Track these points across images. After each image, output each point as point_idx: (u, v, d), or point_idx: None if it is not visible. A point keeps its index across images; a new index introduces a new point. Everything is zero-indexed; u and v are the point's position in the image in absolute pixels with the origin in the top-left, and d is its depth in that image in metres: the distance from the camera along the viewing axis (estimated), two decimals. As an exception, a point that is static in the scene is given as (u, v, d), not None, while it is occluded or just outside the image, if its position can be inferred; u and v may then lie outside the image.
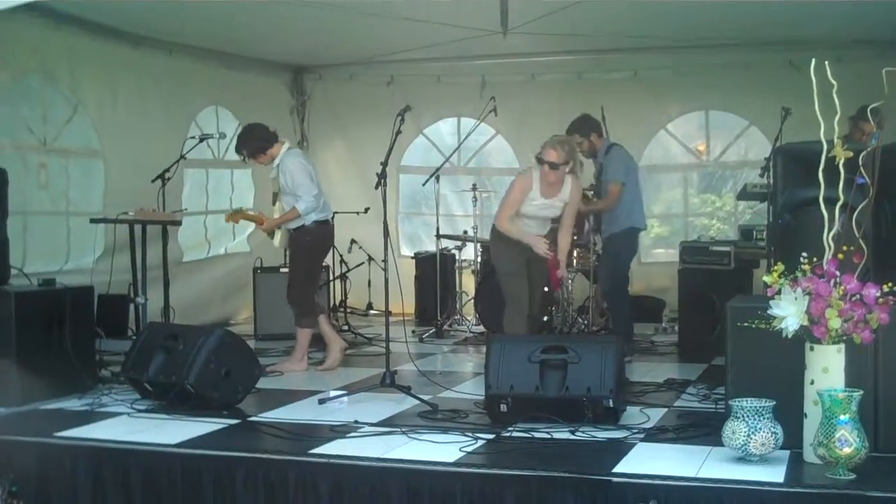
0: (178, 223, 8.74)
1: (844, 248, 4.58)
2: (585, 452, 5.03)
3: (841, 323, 4.47)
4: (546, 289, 8.36)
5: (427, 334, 9.83)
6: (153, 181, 8.16)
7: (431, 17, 8.83)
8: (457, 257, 10.77)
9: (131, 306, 8.07)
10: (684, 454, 4.92)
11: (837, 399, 4.33)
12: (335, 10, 8.45)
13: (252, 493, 4.95)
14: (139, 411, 6.15)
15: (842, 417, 4.30)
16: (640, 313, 8.71)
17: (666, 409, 6.09)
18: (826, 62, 4.58)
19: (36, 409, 6.23)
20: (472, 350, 8.91)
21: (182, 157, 8.58)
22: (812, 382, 4.56)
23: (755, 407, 4.60)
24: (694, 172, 11.54)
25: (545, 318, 9.14)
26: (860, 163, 4.71)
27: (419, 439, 5.30)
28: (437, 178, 10.12)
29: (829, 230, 4.63)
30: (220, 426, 5.72)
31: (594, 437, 5.29)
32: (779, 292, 4.57)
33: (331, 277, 9.98)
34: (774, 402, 4.61)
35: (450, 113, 11.76)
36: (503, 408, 5.64)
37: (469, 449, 5.05)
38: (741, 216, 10.80)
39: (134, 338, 7.33)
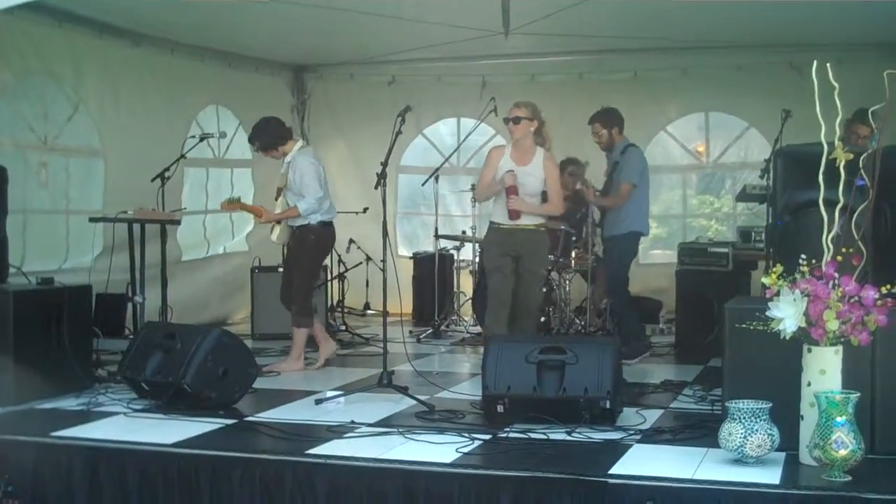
0: (177, 222, 8.71)
1: (843, 250, 4.57)
2: (582, 453, 5.01)
3: (839, 325, 4.46)
4: (544, 289, 8.37)
5: (425, 334, 9.81)
6: (153, 180, 8.14)
7: (433, 17, 8.84)
8: (455, 258, 10.76)
9: (129, 305, 8.05)
10: (681, 456, 4.90)
11: (834, 401, 4.31)
12: (336, 9, 8.44)
13: (248, 493, 4.93)
14: (136, 411, 6.12)
15: (838, 419, 4.28)
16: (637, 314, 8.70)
17: (662, 411, 6.07)
18: (828, 64, 4.56)
19: (32, 409, 6.20)
20: (470, 350, 8.90)
21: (182, 156, 8.56)
22: (809, 384, 4.54)
23: (752, 408, 4.59)
24: (693, 174, 11.54)
25: (542, 319, 9.13)
26: (860, 165, 4.69)
27: (416, 440, 5.28)
28: (437, 179, 10.10)
29: (829, 232, 4.62)
30: (217, 426, 5.70)
31: (591, 438, 5.27)
32: (777, 294, 4.55)
33: (329, 277, 9.95)
34: (771, 404, 4.59)
35: (450, 113, 11.76)
36: (500, 408, 5.63)
37: (466, 450, 5.04)
38: (739, 217, 10.78)
39: (131, 337, 7.32)
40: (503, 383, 5.61)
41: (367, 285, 10.96)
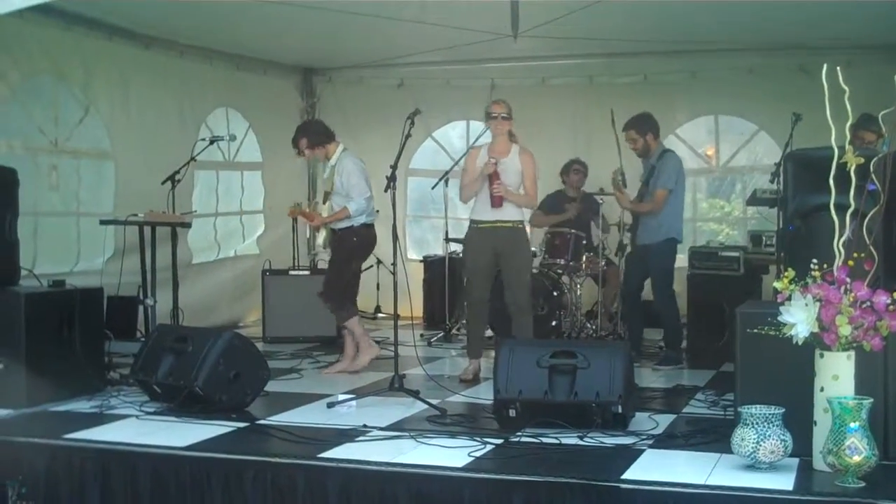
0: (188, 225, 8.75)
1: (855, 254, 4.56)
2: (594, 458, 5.01)
3: (851, 330, 4.46)
4: (555, 293, 8.37)
5: (436, 338, 9.81)
6: (163, 183, 8.19)
7: (442, 20, 8.83)
8: (465, 261, 10.75)
9: (140, 308, 8.08)
10: (693, 461, 4.91)
11: (847, 407, 4.31)
12: (345, 12, 8.45)
13: (261, 496, 4.95)
14: (148, 413, 6.15)
15: (852, 425, 4.28)
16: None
17: (675, 416, 6.08)
18: (838, 68, 4.56)
19: (45, 411, 6.24)
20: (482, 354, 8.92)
21: (192, 158, 8.62)
22: (822, 389, 4.54)
23: (764, 414, 4.59)
24: (703, 177, 11.52)
25: (553, 323, 9.14)
26: (871, 169, 4.69)
27: (428, 444, 5.29)
28: (446, 182, 10.06)
29: (840, 237, 4.61)
30: (229, 429, 5.72)
31: (603, 443, 5.27)
32: (789, 298, 4.55)
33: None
34: (784, 410, 4.59)
35: (459, 116, 11.76)
36: (512, 413, 5.63)
37: (478, 454, 5.04)
38: (750, 221, 10.76)
39: (143, 340, 7.35)
40: (514, 388, 5.62)
41: (378, 289, 10.97)
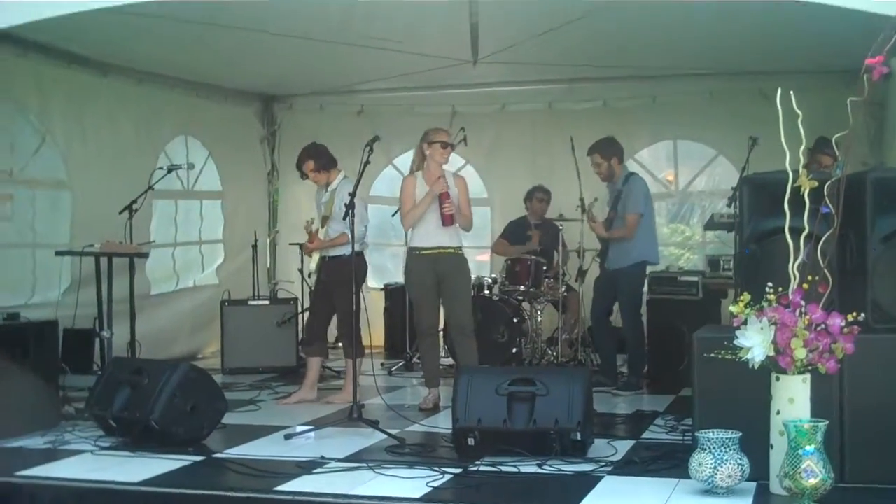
0: (145, 255, 8.67)
1: (810, 277, 4.59)
2: (553, 486, 5.00)
3: (806, 353, 4.48)
4: (516, 319, 8.35)
5: (396, 367, 9.79)
6: (120, 213, 8.12)
7: (402, 46, 8.84)
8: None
9: (97, 340, 7.99)
10: (652, 487, 4.90)
11: (803, 430, 4.33)
12: (305, 38, 8.44)
13: (216, 530, 4.90)
14: (103, 448, 6.05)
15: (807, 448, 4.29)
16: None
17: (634, 442, 6.08)
18: (791, 92, 4.60)
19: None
20: (442, 383, 8.88)
21: (150, 187, 8.56)
22: (778, 413, 4.56)
23: (721, 438, 4.60)
24: (663, 202, 11.57)
25: (514, 350, 9.14)
26: (825, 193, 4.72)
27: (386, 475, 5.25)
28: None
29: (795, 260, 4.65)
30: (185, 463, 5.65)
31: (562, 470, 5.26)
32: (745, 322, 4.57)
33: (300, 310, 9.90)
34: (741, 434, 4.61)
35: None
36: (471, 441, 5.62)
37: (436, 484, 5.01)
38: (709, 246, 10.83)
39: (99, 373, 7.27)
40: (473, 416, 5.61)
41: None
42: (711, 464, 4.58)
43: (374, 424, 6.39)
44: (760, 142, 7.85)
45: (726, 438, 4.60)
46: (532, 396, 5.56)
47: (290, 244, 10.78)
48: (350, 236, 7.14)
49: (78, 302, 7.99)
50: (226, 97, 11.21)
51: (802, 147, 4.67)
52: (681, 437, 5.99)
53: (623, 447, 5.86)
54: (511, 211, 10.73)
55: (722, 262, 8.53)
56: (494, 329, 9.20)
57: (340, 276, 7.65)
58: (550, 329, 9.90)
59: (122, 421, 6.20)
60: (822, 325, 4.49)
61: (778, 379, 4.59)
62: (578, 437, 5.47)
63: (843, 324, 4.46)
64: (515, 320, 9.28)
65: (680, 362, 7.87)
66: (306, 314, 10.16)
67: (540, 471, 5.27)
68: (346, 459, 5.66)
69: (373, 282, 11.55)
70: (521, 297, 9.53)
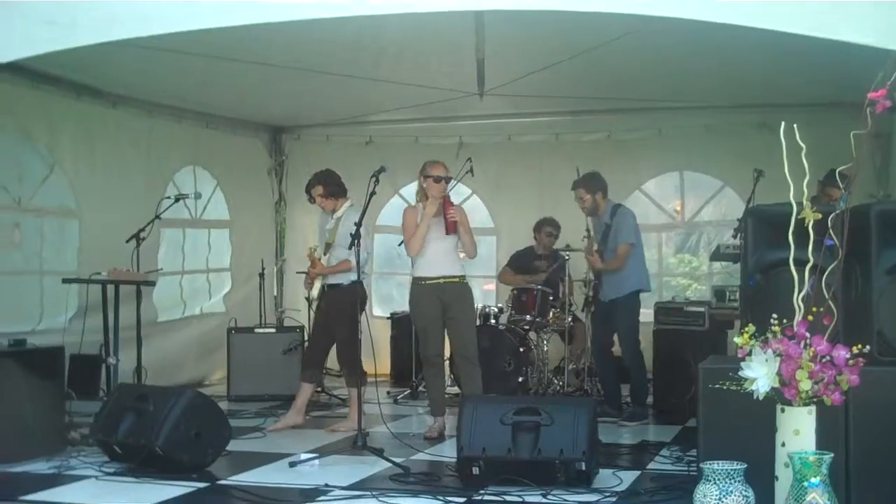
0: (152, 283, 8.70)
1: (814, 309, 4.57)
2: (557, 516, 4.98)
3: (811, 385, 4.44)
4: (521, 348, 8.33)
5: (402, 395, 9.77)
6: (128, 241, 8.17)
7: (409, 78, 8.90)
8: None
9: (103, 367, 7.99)
10: (656, 518, 4.88)
11: (808, 461, 4.29)
12: (313, 71, 8.49)
13: (219, 557, 4.88)
14: (107, 474, 6.06)
15: (812, 480, 4.25)
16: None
17: (639, 472, 6.06)
18: (794, 125, 4.59)
19: (2, 472, 6.11)
20: (447, 411, 8.85)
21: (157, 216, 8.60)
22: (783, 444, 4.51)
23: (726, 470, 4.56)
24: (670, 233, 11.58)
25: (520, 379, 9.13)
26: (829, 225, 4.71)
27: (390, 503, 5.23)
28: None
29: (799, 292, 4.62)
30: (189, 489, 5.65)
31: (566, 500, 5.24)
32: (750, 353, 4.55)
33: (305, 338, 9.88)
34: (746, 465, 4.57)
35: (427, 173, 11.77)
36: (475, 470, 5.60)
37: (440, 512, 5.00)
38: (715, 276, 10.81)
39: (105, 399, 7.26)
40: (478, 445, 5.60)
41: (346, 346, 10.89)
42: (716, 495, 4.53)
43: (378, 453, 6.37)
44: (766, 174, 7.85)
45: (731, 470, 4.56)
46: (537, 426, 5.55)
47: (297, 272, 10.74)
48: (354, 264, 7.15)
49: (84, 328, 7.98)
50: (234, 128, 11.27)
51: (807, 179, 4.65)
52: (686, 468, 5.96)
53: (629, 478, 5.84)
54: (517, 240, 10.74)
55: (728, 293, 8.54)
56: (501, 358, 9.20)
57: (340, 305, 7.73)
58: (557, 358, 9.87)
59: (127, 447, 6.19)
60: (827, 357, 4.45)
61: (783, 410, 4.55)
62: (583, 468, 5.45)
63: (848, 355, 4.43)
64: (522, 349, 9.27)
65: (686, 392, 7.84)
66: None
67: (544, 500, 5.25)
68: (351, 487, 5.65)
69: (379, 310, 11.58)
70: (527, 327, 9.51)
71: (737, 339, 4.63)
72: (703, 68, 8.39)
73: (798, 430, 4.50)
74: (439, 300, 7.49)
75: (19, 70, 7.90)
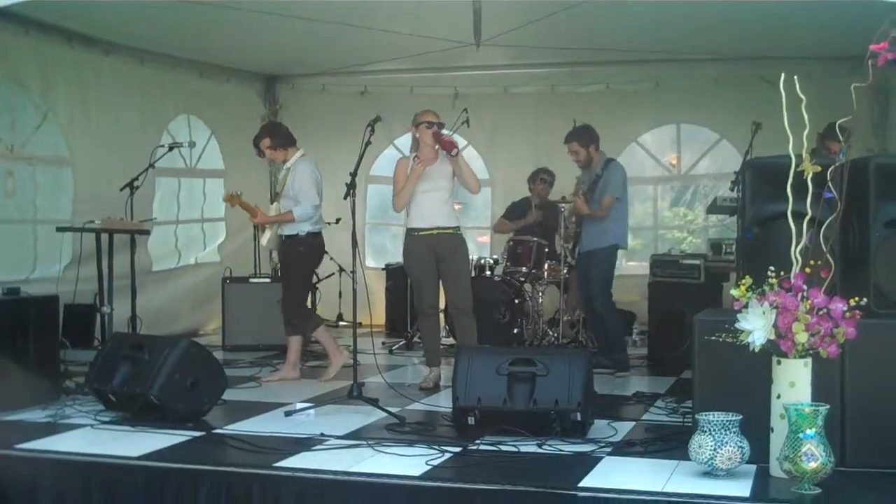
0: (147, 232, 8.67)
1: (812, 262, 4.56)
2: (552, 466, 4.98)
3: (808, 337, 4.46)
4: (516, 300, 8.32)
5: (397, 346, 9.79)
6: (121, 189, 8.15)
7: (405, 27, 8.81)
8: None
9: (98, 316, 7.98)
10: (651, 468, 4.90)
11: (804, 413, 4.30)
12: (308, 19, 8.39)
13: (215, 506, 4.88)
14: (102, 423, 6.04)
15: (808, 432, 4.27)
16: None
17: (634, 423, 6.06)
18: (795, 77, 4.56)
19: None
20: (442, 362, 8.87)
21: (151, 165, 8.57)
22: (779, 396, 4.54)
23: (722, 421, 4.58)
24: (666, 185, 11.56)
25: (515, 331, 9.15)
26: (828, 178, 4.69)
27: (385, 452, 5.24)
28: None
29: (797, 244, 4.62)
30: (185, 438, 5.64)
31: (561, 450, 5.24)
32: (746, 306, 4.55)
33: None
34: (741, 417, 4.58)
35: (422, 124, 11.72)
36: (471, 421, 5.60)
37: (436, 462, 5.00)
38: (711, 229, 10.81)
39: (99, 348, 7.25)
40: (473, 395, 5.59)
41: (340, 297, 10.91)
42: (711, 446, 4.56)
43: (374, 402, 6.37)
44: (764, 127, 7.80)
45: (727, 421, 4.58)
46: (532, 377, 5.54)
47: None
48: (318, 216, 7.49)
49: (79, 278, 8.01)
50: (228, 77, 11.20)
51: (806, 132, 4.63)
52: (681, 420, 5.97)
53: (623, 428, 5.84)
54: (512, 192, 10.71)
55: (724, 246, 8.54)
56: (496, 309, 9.20)
57: (289, 254, 7.84)
58: (552, 310, 9.89)
59: (122, 396, 6.18)
60: (824, 310, 4.47)
61: (779, 363, 4.57)
62: (578, 418, 5.45)
63: (845, 308, 4.44)
64: (517, 301, 9.28)
65: (681, 345, 7.85)
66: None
67: (539, 450, 5.25)
68: (346, 437, 5.65)
69: (372, 262, 11.57)
70: (522, 279, 9.51)
71: (733, 292, 4.64)
72: (702, 20, 8.34)
73: (794, 383, 4.53)
74: (433, 251, 7.47)
75: (11, 16, 7.84)
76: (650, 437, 5.56)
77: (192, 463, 5.07)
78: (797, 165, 4.62)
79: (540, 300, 9.65)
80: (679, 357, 7.89)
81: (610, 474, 4.79)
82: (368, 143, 6.95)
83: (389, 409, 6.29)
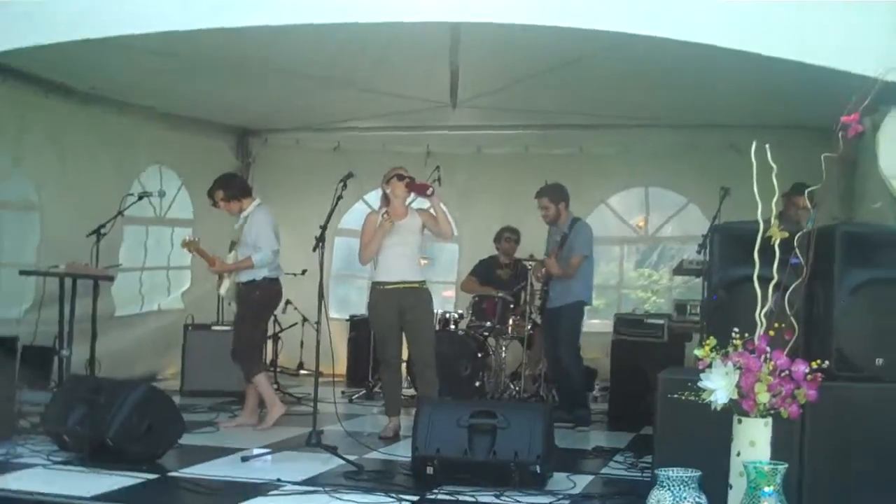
0: (111, 279, 8.64)
1: (776, 325, 4.59)
2: (509, 518, 4.95)
3: (769, 397, 4.45)
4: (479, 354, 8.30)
5: (357, 395, 9.74)
6: (88, 235, 8.14)
7: (382, 86, 8.87)
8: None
9: (56, 358, 7.89)
10: (609, 523, 4.87)
11: (762, 471, 4.29)
12: (285, 73, 8.42)
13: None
14: (56, 463, 5.95)
15: (766, 489, 4.26)
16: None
17: (593, 477, 6.06)
18: (767, 145, 4.63)
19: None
20: (402, 412, 8.81)
21: (120, 213, 8.59)
22: (738, 454, 4.52)
23: (681, 477, 4.55)
24: (632, 246, 11.65)
25: (477, 384, 9.13)
26: (795, 244, 4.74)
27: (342, 500, 5.19)
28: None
29: (762, 307, 4.64)
30: (139, 480, 5.56)
31: (519, 501, 5.21)
32: (710, 366, 4.55)
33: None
34: (700, 473, 4.56)
35: (393, 180, 11.75)
36: (429, 470, 5.57)
37: (392, 511, 4.96)
38: (676, 290, 10.87)
39: (56, 389, 7.16)
40: (433, 446, 5.58)
41: (302, 346, 10.85)
42: (670, 501, 4.53)
43: (332, 450, 6.32)
44: (732, 192, 7.88)
45: (686, 477, 4.55)
46: (493, 429, 5.53)
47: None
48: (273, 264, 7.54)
49: (39, 320, 7.97)
50: (201, 129, 11.17)
51: (776, 198, 4.70)
52: (640, 474, 5.97)
53: (582, 482, 5.82)
54: (479, 250, 10.73)
55: (689, 307, 8.61)
56: (459, 363, 9.21)
57: (247, 300, 7.80)
58: (514, 364, 9.89)
59: (77, 436, 6.10)
60: (787, 371, 4.47)
61: (740, 422, 4.55)
62: (538, 470, 5.43)
63: (807, 370, 4.45)
64: (480, 355, 9.31)
65: (642, 401, 7.85)
66: (268, 341, 10.13)
67: (497, 501, 5.22)
68: (303, 483, 5.60)
69: (336, 313, 11.51)
70: (486, 334, 9.53)
71: (697, 352, 4.65)
72: (673, 88, 8.43)
73: (754, 441, 4.51)
74: (398, 305, 7.48)
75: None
76: (608, 490, 5.55)
77: (145, 504, 5.00)
78: (765, 231, 4.67)
79: (503, 354, 9.66)
80: (639, 413, 7.90)
81: (567, 527, 4.76)
82: (340, 197, 7.03)
83: (348, 456, 6.24)
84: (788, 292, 4.69)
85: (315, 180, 11.01)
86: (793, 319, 4.66)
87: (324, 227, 6.86)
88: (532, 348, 9.55)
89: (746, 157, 4.62)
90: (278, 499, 5.20)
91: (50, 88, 8.87)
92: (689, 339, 8.60)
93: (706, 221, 8.97)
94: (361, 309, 11.14)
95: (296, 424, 7.66)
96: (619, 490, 5.52)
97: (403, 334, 7.57)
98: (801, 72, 5.71)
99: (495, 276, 10.17)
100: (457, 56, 7.97)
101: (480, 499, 5.22)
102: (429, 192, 7.38)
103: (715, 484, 4.57)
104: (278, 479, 5.59)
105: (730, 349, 4.54)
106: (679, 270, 9.09)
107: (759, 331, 4.61)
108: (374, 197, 11.39)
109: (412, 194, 7.72)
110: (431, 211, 7.61)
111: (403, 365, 8.03)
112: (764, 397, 4.46)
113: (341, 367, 10.64)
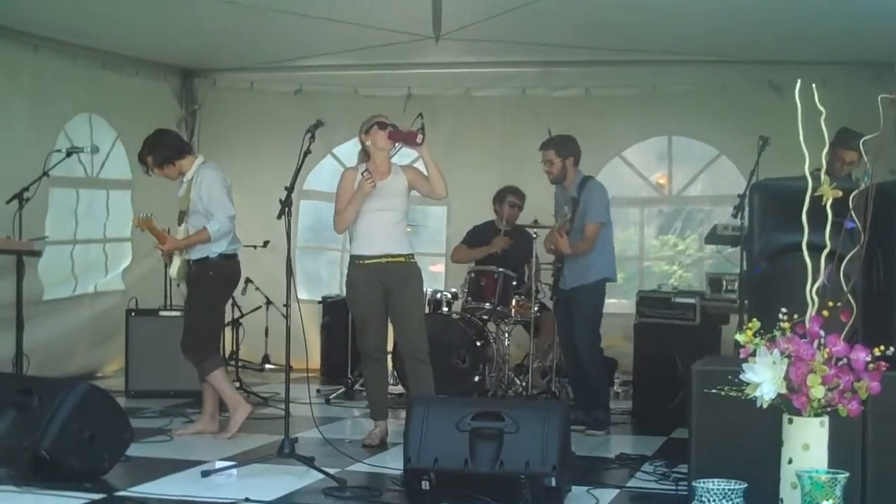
0: (38, 254, 8.62)
1: (830, 303, 4.60)
2: (521, 542, 5.00)
3: (825, 392, 4.48)
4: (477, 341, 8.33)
5: (335, 395, 9.75)
6: (8, 202, 8.07)
7: (350, 16, 8.80)
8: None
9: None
10: (639, 545, 4.92)
11: (819, 482, 4.33)
12: (235, 3, 8.37)
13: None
14: (-22, 482, 5.99)
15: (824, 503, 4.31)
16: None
17: (618, 491, 6.10)
18: (813, 85, 4.61)
19: None
20: (390, 414, 8.85)
21: (45, 173, 8.52)
22: (790, 461, 4.56)
23: (723, 489, 4.59)
24: (653, 208, 11.63)
25: (476, 379, 9.14)
26: (850, 204, 4.74)
27: (323, 522, 5.25)
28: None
29: (813, 282, 4.66)
30: (81, 501, 5.59)
31: (532, 522, 5.27)
32: (753, 354, 4.57)
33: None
34: (746, 485, 4.60)
35: (367, 130, 11.75)
36: (425, 485, 5.61)
37: (382, 535, 5.01)
38: (708, 262, 10.88)
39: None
40: (429, 455, 5.61)
41: (267, 334, 10.87)
42: (711, 519, 4.58)
43: (308, 462, 6.36)
44: (771, 142, 7.89)
45: (728, 490, 4.59)
46: (499, 434, 5.57)
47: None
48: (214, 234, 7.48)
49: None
50: (138, 70, 11.14)
51: (825, 150, 4.69)
52: (674, 487, 6.01)
53: (606, 497, 5.88)
54: (472, 214, 10.70)
55: (724, 282, 8.59)
56: (453, 353, 9.20)
57: (198, 281, 7.75)
58: (520, 355, 9.91)
59: (6, 449, 6.11)
60: (844, 360, 4.50)
61: (791, 421, 4.59)
62: (553, 484, 5.47)
63: (868, 358, 4.48)
64: (479, 343, 9.29)
65: (672, 398, 7.92)
66: (226, 329, 10.15)
67: (507, 523, 5.28)
68: (275, 502, 5.64)
69: (305, 293, 11.51)
70: (485, 317, 9.53)
71: (738, 337, 4.65)
72: (700, 15, 8.42)
73: (808, 445, 4.54)
74: (381, 283, 7.48)
75: None
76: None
77: (89, 532, 5.04)
78: (815, 189, 4.67)
79: (506, 342, 9.66)
80: (669, 413, 7.95)
81: (591, 552, 4.82)
82: (308, 152, 6.93)
83: (327, 469, 6.26)
84: (844, 263, 4.72)
85: (274, 130, 11.05)
86: (850, 296, 4.68)
87: (290, 189, 6.83)
88: (540, 335, 9.56)
89: (787, 98, 4.62)
90: (248, 522, 5.25)
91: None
92: (727, 321, 8.63)
93: (741, 178, 8.98)
94: (334, 288, 11.18)
95: (264, 431, 7.71)
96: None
97: (389, 319, 7.58)
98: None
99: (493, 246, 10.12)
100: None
101: (487, 520, 5.29)
102: (418, 139, 7.33)
103: (763, 497, 4.62)
104: (246, 499, 5.62)
105: (776, 333, 4.56)
106: (712, 238, 9.07)
107: (811, 311, 4.63)
108: (346, 151, 11.44)
109: (397, 145, 7.69)
110: (419, 166, 7.60)
111: (390, 357, 8.04)
112: (818, 392, 4.49)
113: (314, 359, 10.66)
